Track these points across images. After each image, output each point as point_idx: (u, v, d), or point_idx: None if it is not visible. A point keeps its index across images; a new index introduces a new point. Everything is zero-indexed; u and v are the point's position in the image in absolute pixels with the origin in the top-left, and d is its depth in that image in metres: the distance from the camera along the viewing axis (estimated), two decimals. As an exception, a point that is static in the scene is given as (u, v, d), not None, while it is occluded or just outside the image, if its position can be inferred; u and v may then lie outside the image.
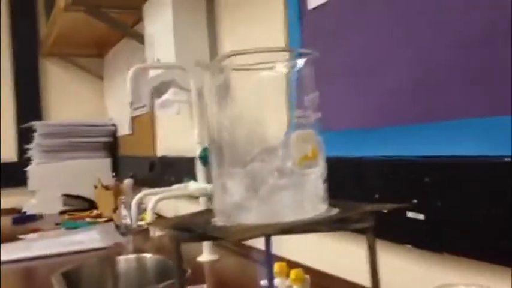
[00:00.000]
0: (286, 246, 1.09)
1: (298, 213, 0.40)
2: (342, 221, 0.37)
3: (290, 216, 0.40)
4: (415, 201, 0.71)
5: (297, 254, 1.05)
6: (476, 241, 0.64)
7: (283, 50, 0.44)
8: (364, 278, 0.86)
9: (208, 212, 0.46)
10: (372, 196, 0.78)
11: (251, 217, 0.40)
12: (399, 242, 0.75)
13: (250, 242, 1.26)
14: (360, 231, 0.38)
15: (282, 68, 0.43)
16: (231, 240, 0.34)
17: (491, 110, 0.61)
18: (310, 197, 0.41)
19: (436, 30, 0.69)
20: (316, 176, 0.41)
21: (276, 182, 0.40)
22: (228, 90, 0.44)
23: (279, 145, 0.43)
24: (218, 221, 0.42)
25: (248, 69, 0.42)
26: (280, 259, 0.99)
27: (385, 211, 0.61)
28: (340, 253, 0.94)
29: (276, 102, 0.45)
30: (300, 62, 0.42)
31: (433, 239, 0.70)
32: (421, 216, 0.71)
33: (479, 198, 0.63)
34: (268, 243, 0.50)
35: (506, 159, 0.59)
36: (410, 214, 0.72)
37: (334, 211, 0.41)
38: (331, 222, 0.38)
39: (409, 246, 0.74)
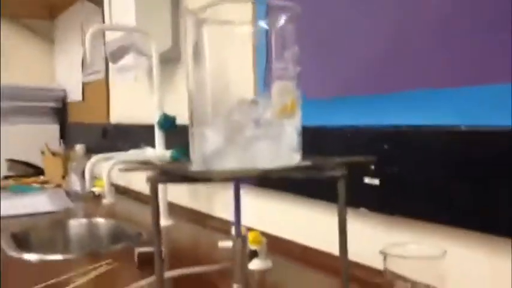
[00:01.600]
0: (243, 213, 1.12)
1: (274, 162, 0.42)
2: (317, 169, 0.40)
3: (266, 164, 0.42)
4: (373, 167, 0.75)
5: (252, 221, 1.07)
6: (428, 204, 0.69)
7: (267, 2, 0.45)
8: (318, 242, 0.91)
9: (182, 163, 0.47)
10: (331, 162, 0.81)
11: (228, 164, 0.42)
12: (355, 206, 0.79)
13: (208, 209, 1.28)
14: (331, 184, 0.40)
15: (263, 23, 0.44)
16: (215, 181, 0.36)
17: (445, 82, 0.66)
18: (286, 147, 0.43)
19: (396, 3, 0.72)
20: (292, 128, 0.43)
21: (254, 131, 0.42)
22: (207, 43, 0.45)
23: (258, 96, 0.44)
24: (194, 167, 0.43)
25: (231, 23, 0.43)
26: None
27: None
28: (297, 220, 0.98)
29: (247, 57, 0.46)
30: (282, 16, 0.43)
31: (387, 203, 0.74)
32: (376, 182, 0.75)
33: (433, 164, 0.68)
34: (238, 191, 0.51)
35: (461, 129, 0.63)
36: (367, 180, 0.76)
37: (307, 162, 0.44)
38: (306, 169, 0.40)
39: (364, 209, 0.78)
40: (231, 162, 0.42)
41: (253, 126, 0.42)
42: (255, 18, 0.46)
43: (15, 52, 2.47)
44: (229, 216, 1.21)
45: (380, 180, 0.75)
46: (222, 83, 0.46)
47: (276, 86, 0.42)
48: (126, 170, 0.44)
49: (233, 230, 0.88)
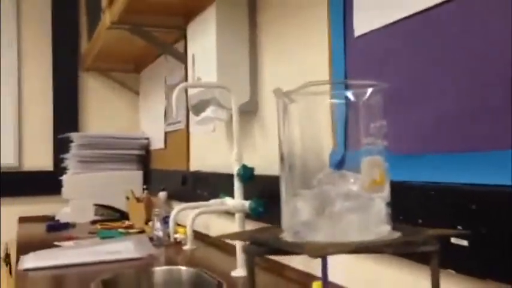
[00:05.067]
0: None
1: (363, 234, 0.43)
2: (409, 244, 0.40)
3: (355, 237, 0.43)
4: (460, 227, 0.73)
5: (335, 276, 1.07)
6: (522, 270, 0.65)
7: (356, 84, 0.47)
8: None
9: (272, 229, 0.49)
10: (415, 221, 0.80)
11: (319, 236, 0.43)
12: (441, 267, 0.76)
13: (285, 260, 1.28)
14: (424, 255, 0.40)
15: (352, 97, 0.46)
16: (312, 257, 0.37)
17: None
18: (375, 219, 0.44)
19: (487, 59, 0.72)
20: (381, 200, 0.44)
21: (344, 204, 0.43)
22: (297, 115, 0.47)
23: (344, 169, 0.46)
24: (286, 237, 0.45)
25: (319, 94, 0.46)
26: (316, 278, 1.01)
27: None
28: (380, 277, 0.96)
29: (329, 129, 0.48)
30: (368, 92, 0.45)
31: (477, 265, 0.71)
32: (464, 243, 0.73)
33: (526, 227, 0.65)
34: (325, 262, 0.52)
35: (555, 191, 0.61)
36: (453, 240, 0.74)
37: (397, 234, 0.44)
38: (399, 245, 0.40)
39: (451, 271, 0.75)
40: (321, 234, 0.43)
41: (342, 200, 0.43)
42: (340, 92, 0.48)
43: (105, 103, 2.68)
44: (307, 268, 1.21)
45: (469, 242, 0.72)
46: (311, 153, 0.48)
47: (365, 161, 0.43)
48: (223, 237, 0.46)
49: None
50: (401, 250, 0.41)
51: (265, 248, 0.42)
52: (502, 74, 0.69)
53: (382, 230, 0.44)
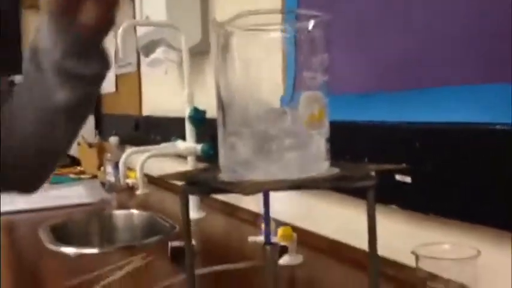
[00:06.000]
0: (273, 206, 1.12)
1: (303, 171, 0.42)
2: (346, 179, 0.40)
3: (294, 174, 0.42)
4: (404, 165, 0.74)
5: (283, 214, 1.08)
6: (461, 203, 0.67)
7: (298, 14, 0.45)
8: (345, 236, 0.90)
9: (212, 169, 0.47)
10: (361, 159, 0.81)
11: (257, 174, 0.42)
12: (385, 203, 0.78)
13: (237, 201, 1.29)
14: (361, 190, 0.40)
15: (292, 30, 0.43)
16: (245, 194, 0.36)
17: (483, 78, 0.64)
18: (314, 156, 0.43)
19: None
20: (320, 136, 0.43)
21: (282, 141, 0.42)
22: (237, 51, 0.45)
23: (285, 106, 0.44)
24: (224, 177, 0.44)
25: (260, 30, 0.43)
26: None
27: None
28: (325, 214, 0.98)
29: (275, 64, 0.46)
30: (310, 24, 0.43)
31: (419, 201, 0.73)
32: (408, 179, 0.74)
33: (466, 162, 0.66)
34: (267, 200, 0.52)
35: (496, 127, 0.62)
36: (398, 177, 0.75)
37: (336, 170, 0.43)
38: (335, 180, 0.40)
39: (394, 206, 0.77)
40: (260, 173, 0.42)
41: (281, 137, 0.42)
42: (284, 26, 0.46)
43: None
44: (257, 208, 1.22)
45: (412, 178, 0.74)
46: (251, 91, 0.46)
47: (304, 96, 0.42)
48: (162, 177, 0.44)
49: (263, 226, 0.88)
50: (337, 185, 0.40)
51: (200, 187, 0.41)
52: (453, 13, 0.68)
53: (321, 166, 0.43)
